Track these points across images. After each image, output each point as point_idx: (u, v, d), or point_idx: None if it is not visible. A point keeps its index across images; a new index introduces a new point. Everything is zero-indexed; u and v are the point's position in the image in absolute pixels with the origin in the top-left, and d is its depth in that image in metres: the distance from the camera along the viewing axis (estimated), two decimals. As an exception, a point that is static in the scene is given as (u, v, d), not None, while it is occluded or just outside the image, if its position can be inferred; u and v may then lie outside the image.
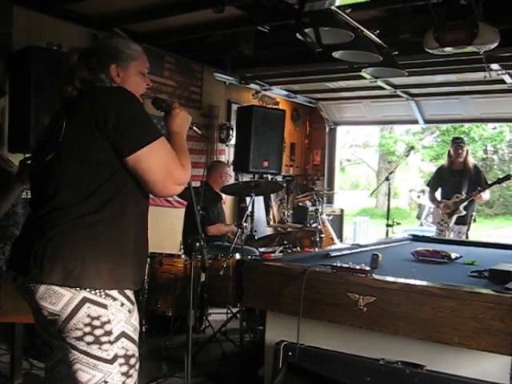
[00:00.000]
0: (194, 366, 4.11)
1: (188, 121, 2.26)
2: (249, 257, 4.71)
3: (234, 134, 7.65)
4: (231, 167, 7.13)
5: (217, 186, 5.62)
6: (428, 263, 3.76)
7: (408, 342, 2.67)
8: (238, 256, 4.80)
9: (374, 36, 5.14)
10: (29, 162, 2.82)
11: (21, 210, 2.85)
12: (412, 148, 8.48)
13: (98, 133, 1.89)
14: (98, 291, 1.87)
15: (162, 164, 1.96)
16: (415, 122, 9.13)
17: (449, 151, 6.98)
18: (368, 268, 2.86)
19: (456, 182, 6.71)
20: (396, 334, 2.66)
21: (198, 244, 2.49)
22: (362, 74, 6.05)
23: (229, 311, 5.06)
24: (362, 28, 4.90)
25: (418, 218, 13.99)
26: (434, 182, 7.02)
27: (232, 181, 6.47)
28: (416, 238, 5.43)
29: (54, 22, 5.36)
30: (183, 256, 4.81)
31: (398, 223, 6.71)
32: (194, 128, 2.39)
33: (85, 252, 1.87)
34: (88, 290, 1.86)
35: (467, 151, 6.79)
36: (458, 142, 6.83)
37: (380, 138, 23.02)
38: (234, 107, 7.78)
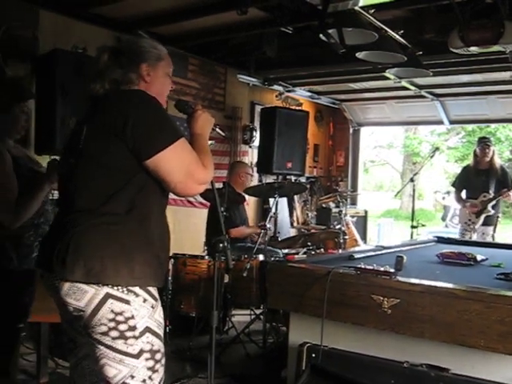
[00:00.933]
0: (218, 367, 4.10)
1: (211, 122, 2.27)
2: (272, 258, 4.71)
3: (257, 135, 7.66)
4: (254, 168, 7.13)
5: (237, 186, 5.61)
6: (453, 265, 3.72)
7: (433, 344, 2.64)
8: (261, 257, 4.80)
9: (398, 36, 5.10)
10: (57, 162, 2.88)
11: (51, 208, 2.89)
12: (437, 149, 8.39)
13: (116, 138, 1.92)
14: (119, 287, 1.90)
15: (182, 165, 1.98)
16: (440, 122, 9.04)
17: (475, 151, 6.90)
18: (392, 270, 2.84)
19: (482, 181, 6.63)
20: (420, 336, 2.63)
21: (221, 245, 2.49)
22: (386, 74, 6.01)
23: (252, 312, 5.06)
24: (385, 28, 4.87)
25: (443, 219, 13.84)
26: (460, 181, 6.94)
27: (253, 181, 6.47)
28: (441, 240, 5.37)
29: (79, 25, 5.42)
30: (207, 257, 4.82)
31: (423, 225, 6.65)
32: (217, 130, 2.40)
33: (104, 251, 1.90)
34: (110, 286, 1.89)
35: (493, 151, 6.71)
36: (484, 141, 6.76)
37: (404, 138, 22.84)
38: (258, 108, 7.79)
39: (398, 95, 8.52)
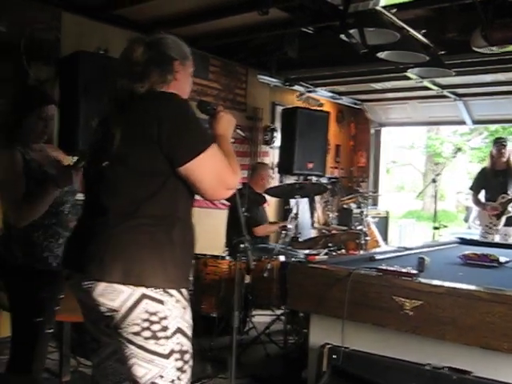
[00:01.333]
0: (238, 367, 4.11)
1: (233, 123, 2.27)
2: (293, 259, 4.71)
3: (278, 135, 7.66)
4: (275, 169, 7.13)
5: (257, 187, 5.62)
6: (476, 267, 3.69)
7: (455, 347, 2.62)
8: (282, 258, 4.80)
9: (419, 36, 5.07)
10: (68, 165, 2.93)
11: (67, 209, 2.93)
12: (459, 149, 8.34)
13: (152, 143, 1.91)
14: (155, 288, 1.91)
15: (214, 171, 1.99)
16: (463, 122, 8.97)
17: (491, 152, 6.83)
18: (414, 271, 2.82)
19: (501, 182, 6.55)
20: (442, 338, 2.61)
21: (242, 246, 2.50)
22: (408, 74, 5.98)
23: (273, 313, 5.05)
24: (407, 28, 4.84)
25: (466, 220, 13.70)
26: (477, 184, 6.84)
27: (274, 182, 6.46)
28: (463, 241, 5.32)
29: (101, 26, 5.47)
30: (227, 257, 4.83)
31: (445, 226, 6.59)
32: (238, 130, 2.40)
33: (142, 252, 1.91)
34: (146, 286, 1.89)
35: (510, 151, 6.64)
36: (500, 142, 6.68)
37: (426, 139, 22.65)
38: (279, 109, 7.79)
39: (420, 95, 8.47)
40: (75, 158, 2.95)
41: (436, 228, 6.41)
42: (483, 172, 6.90)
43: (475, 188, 6.83)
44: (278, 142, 7.58)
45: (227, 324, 4.62)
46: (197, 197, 2.11)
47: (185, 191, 2.03)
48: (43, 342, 2.88)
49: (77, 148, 4.42)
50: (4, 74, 4.72)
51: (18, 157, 2.77)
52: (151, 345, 1.91)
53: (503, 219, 6.47)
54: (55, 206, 2.84)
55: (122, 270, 1.87)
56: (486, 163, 6.92)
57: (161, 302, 1.92)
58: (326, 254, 5.31)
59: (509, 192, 6.46)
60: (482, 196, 6.80)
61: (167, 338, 1.93)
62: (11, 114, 2.89)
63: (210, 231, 6.22)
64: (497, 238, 6.46)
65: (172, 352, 1.94)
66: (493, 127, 18.78)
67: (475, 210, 6.96)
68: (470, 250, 4.01)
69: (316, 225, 8.59)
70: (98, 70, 4.51)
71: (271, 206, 7.67)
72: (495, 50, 4.50)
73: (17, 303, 2.85)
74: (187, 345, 2.00)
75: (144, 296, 1.89)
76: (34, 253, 2.79)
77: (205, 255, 4.80)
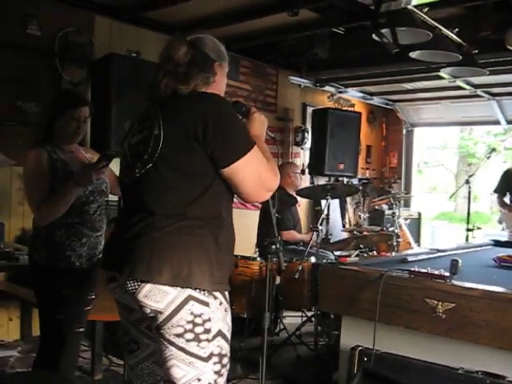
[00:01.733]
0: (268, 369, 4.10)
1: (265, 124, 2.26)
2: (324, 260, 4.69)
3: (309, 136, 7.64)
4: (306, 170, 7.11)
5: (288, 187, 5.61)
6: (510, 269, 3.62)
7: (489, 351, 2.58)
8: (313, 259, 4.78)
9: (452, 34, 5.00)
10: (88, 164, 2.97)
11: (93, 209, 2.95)
12: (493, 150, 8.17)
13: (197, 145, 1.90)
14: (201, 290, 1.90)
15: (256, 173, 1.98)
16: (497, 122, 8.82)
17: None
18: (447, 273, 2.79)
19: None
20: (476, 342, 2.57)
21: (274, 247, 2.49)
22: (441, 74, 5.90)
23: (303, 314, 5.04)
24: (440, 27, 4.78)
25: (500, 222, 13.49)
26: (502, 186, 6.61)
27: (305, 182, 6.45)
28: (497, 244, 5.23)
29: (132, 29, 5.55)
30: (258, 258, 4.83)
31: (479, 228, 6.48)
32: (268, 132, 2.40)
33: (190, 254, 1.90)
34: (193, 288, 1.89)
35: None
36: None
37: (459, 139, 22.35)
38: (309, 110, 7.77)
39: (453, 95, 8.36)
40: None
41: (469, 230, 6.31)
42: (507, 173, 6.69)
43: (499, 190, 6.63)
44: (308, 143, 7.56)
45: (258, 325, 4.63)
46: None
47: (227, 193, 2.03)
48: (71, 340, 2.91)
49: (109, 149, 4.48)
50: (38, 77, 4.81)
51: (43, 156, 2.81)
52: (192, 347, 1.90)
53: None
54: (79, 205, 2.85)
55: (171, 271, 1.86)
56: (510, 164, 6.75)
57: (206, 303, 1.91)
58: (357, 255, 5.29)
59: None
60: (507, 198, 6.61)
61: (208, 340, 1.92)
62: (45, 115, 2.97)
63: (240, 232, 6.18)
64: None
65: (211, 355, 1.93)
66: (528, 127, 18.45)
67: (503, 212, 6.81)
68: (504, 252, 3.94)
69: (347, 226, 8.54)
70: (130, 73, 4.55)
71: (302, 207, 7.66)
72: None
73: (41, 301, 2.92)
74: (226, 348, 1.99)
75: (190, 297, 1.88)
76: (56, 252, 2.83)
77: (236, 256, 4.80)
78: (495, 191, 6.70)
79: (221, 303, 1.96)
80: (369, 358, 2.86)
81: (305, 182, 6.35)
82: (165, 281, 1.86)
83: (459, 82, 7.08)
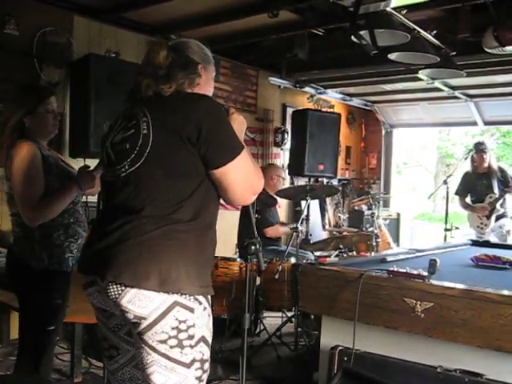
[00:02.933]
0: (249, 369, 4.11)
1: (245, 125, 2.25)
2: (304, 261, 4.70)
3: (289, 137, 7.66)
4: (286, 170, 7.13)
5: (270, 188, 5.63)
6: (488, 269, 3.67)
7: (467, 349, 2.61)
8: (293, 260, 4.79)
9: (430, 36, 5.05)
10: (89, 169, 2.90)
11: (80, 209, 2.91)
12: (471, 150, 8.25)
13: (189, 145, 1.89)
14: (187, 295, 1.88)
15: (245, 176, 1.98)
16: (474, 123, 8.92)
17: (472, 157, 6.92)
18: (426, 273, 2.81)
19: (485, 184, 6.74)
20: (454, 341, 2.60)
21: (253, 247, 2.49)
22: (419, 75, 5.95)
23: (284, 315, 5.05)
24: (418, 29, 4.82)
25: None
26: (463, 188, 6.98)
27: (286, 183, 6.47)
28: (475, 243, 5.30)
29: (112, 30, 5.51)
30: (238, 259, 4.83)
31: (457, 228, 6.56)
32: (247, 133, 2.40)
33: (177, 259, 1.87)
34: (179, 294, 1.86)
35: (490, 155, 6.84)
36: (481, 149, 6.81)
37: (438, 140, 22.56)
38: (289, 111, 7.79)
39: (431, 96, 8.43)
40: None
41: (447, 230, 6.38)
42: (467, 176, 7.01)
43: (461, 192, 6.98)
44: (288, 143, 7.58)
45: (238, 326, 4.63)
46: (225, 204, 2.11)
47: (215, 197, 2.02)
48: (52, 347, 2.87)
49: (88, 151, 4.45)
50: (16, 77, 4.75)
51: (37, 151, 2.70)
52: (175, 353, 1.87)
53: (493, 217, 6.66)
54: (71, 204, 2.80)
55: (159, 276, 1.83)
56: (468, 168, 7.02)
57: (191, 309, 1.89)
58: (337, 255, 5.32)
59: (495, 191, 6.65)
60: (468, 200, 6.98)
61: (191, 346, 1.89)
62: (10, 114, 2.80)
63: (221, 232, 6.20)
64: (491, 236, 6.62)
65: (194, 361, 1.90)
66: (505, 128, 18.69)
67: (469, 214, 7.04)
68: (481, 252, 3.99)
69: (327, 226, 8.58)
70: (110, 73, 4.54)
71: (282, 207, 7.67)
72: (510, 50, 4.47)
73: (32, 309, 2.77)
74: (207, 353, 1.97)
75: (176, 303, 1.86)
76: (57, 254, 2.74)
77: (216, 257, 4.80)
78: (456, 193, 7.00)
79: (205, 308, 1.95)
80: (349, 358, 2.87)
81: (285, 182, 6.35)
82: (151, 286, 1.83)
83: (437, 84, 7.15)
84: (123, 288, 1.84)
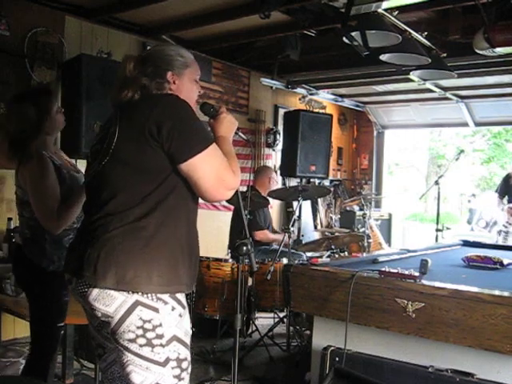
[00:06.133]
0: (241, 370, 4.12)
1: (235, 125, 2.27)
2: (296, 261, 4.71)
3: (281, 138, 7.66)
4: (278, 171, 7.15)
5: (264, 190, 5.65)
6: (479, 269, 3.68)
7: (458, 349, 2.62)
8: (285, 260, 4.80)
9: (422, 38, 5.07)
10: None
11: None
12: (462, 151, 8.29)
13: (152, 141, 1.92)
14: (149, 295, 1.90)
15: (214, 170, 1.98)
16: (465, 124, 8.96)
17: None
18: (417, 273, 2.82)
19: None
20: (446, 341, 2.61)
21: (245, 248, 2.49)
22: (411, 76, 5.97)
23: (276, 315, 5.06)
24: (409, 30, 4.84)
25: (469, 222, 13.70)
26: (503, 188, 7.26)
27: (278, 185, 6.48)
28: (467, 244, 5.32)
29: (103, 30, 5.50)
30: (230, 260, 4.83)
31: (448, 228, 6.58)
32: (240, 133, 2.40)
33: (136, 257, 1.89)
34: (140, 293, 1.89)
35: None
36: None
37: (429, 141, 22.65)
38: (281, 112, 7.80)
39: (423, 97, 8.47)
40: None
41: (439, 230, 6.40)
42: (507, 178, 7.27)
43: (500, 192, 7.25)
44: (280, 144, 7.59)
45: (230, 326, 4.63)
46: (200, 200, 2.11)
47: (185, 194, 2.02)
48: (59, 344, 2.90)
49: (80, 151, 4.43)
50: (7, 77, 4.74)
51: (51, 165, 2.75)
52: (147, 352, 1.90)
53: None
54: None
55: (115, 275, 1.86)
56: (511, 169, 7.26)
57: (155, 309, 1.90)
58: (328, 256, 5.32)
59: None
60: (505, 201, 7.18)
61: (162, 345, 1.91)
62: (39, 111, 2.83)
63: (213, 233, 6.24)
64: None
65: (168, 360, 1.93)
66: (495, 129, 18.78)
67: (479, 212, 7.21)
68: (473, 252, 4.01)
69: (319, 227, 8.59)
70: (101, 73, 4.53)
71: (274, 208, 7.68)
72: (500, 52, 4.50)
73: (42, 308, 2.83)
74: (184, 352, 1.99)
75: (138, 303, 1.88)
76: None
77: (208, 258, 4.80)
78: (496, 191, 7.36)
79: (173, 308, 1.95)
80: (340, 358, 2.88)
81: (277, 183, 6.36)
82: (109, 285, 1.87)
83: (428, 85, 7.17)
84: (88, 286, 1.90)
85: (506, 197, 7.11)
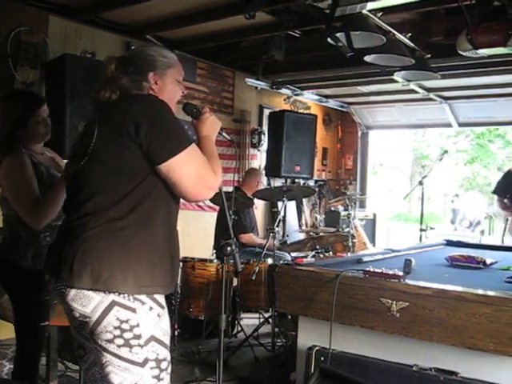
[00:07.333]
0: (226, 370, 4.12)
1: (218, 125, 2.27)
2: (281, 261, 4.71)
3: (265, 138, 7.67)
4: (263, 172, 7.15)
5: (250, 191, 5.65)
6: (462, 268, 3.71)
7: (442, 348, 2.64)
8: (270, 261, 4.80)
9: (405, 39, 5.10)
10: None
11: None
12: (445, 152, 8.34)
13: (130, 141, 1.92)
14: (126, 295, 1.90)
15: (193, 170, 1.98)
16: (449, 125, 9.01)
17: None
18: (401, 273, 2.84)
19: None
20: (429, 340, 2.63)
21: (229, 248, 2.49)
22: (395, 77, 6.01)
23: (261, 316, 5.06)
24: (393, 31, 4.87)
25: (452, 222, 13.81)
26: (504, 187, 6.46)
27: (263, 185, 6.49)
28: (450, 243, 5.36)
29: (88, 30, 5.47)
30: (215, 260, 4.83)
31: (432, 228, 6.62)
32: (224, 134, 2.40)
33: (112, 257, 1.89)
34: (117, 293, 1.88)
35: None
36: None
37: (413, 141, 22.79)
38: (266, 112, 7.80)
39: (407, 98, 8.51)
40: None
41: (423, 230, 6.43)
42: (508, 176, 6.57)
43: (499, 192, 6.48)
44: (265, 145, 7.59)
45: (215, 327, 4.63)
46: (183, 201, 2.10)
47: (164, 195, 2.02)
48: (44, 344, 2.89)
49: (64, 152, 4.41)
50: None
51: (27, 160, 2.74)
52: (125, 353, 1.90)
53: None
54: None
55: (91, 275, 1.86)
56: (510, 167, 6.69)
57: (133, 309, 1.90)
58: (313, 256, 5.33)
59: None
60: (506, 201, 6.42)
61: (141, 346, 1.91)
62: (8, 117, 2.83)
63: (198, 234, 6.23)
64: None
65: (147, 360, 1.92)
66: (478, 130, 18.94)
67: (462, 212, 6.96)
68: (456, 252, 4.04)
69: (303, 227, 8.61)
70: (85, 73, 4.50)
71: (259, 209, 7.68)
72: (483, 53, 4.53)
73: (24, 307, 2.83)
74: (163, 353, 1.98)
75: (114, 303, 1.88)
76: (42, 254, 2.73)
77: (193, 258, 4.80)
78: (494, 192, 6.62)
79: (151, 308, 1.95)
80: (325, 358, 2.88)
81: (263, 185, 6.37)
82: (85, 285, 1.87)
83: (412, 86, 7.21)
84: (65, 287, 1.90)
85: (508, 197, 6.30)
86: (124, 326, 1.89)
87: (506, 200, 6.32)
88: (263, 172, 6.97)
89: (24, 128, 2.81)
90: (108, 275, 1.87)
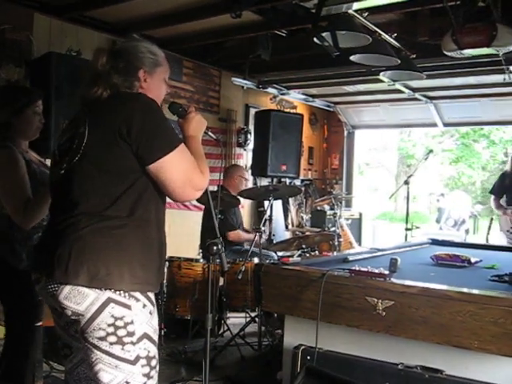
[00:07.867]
0: (213, 370, 4.11)
1: (203, 124, 2.27)
2: (267, 261, 4.72)
3: (251, 138, 7.67)
4: (249, 171, 7.15)
5: (233, 189, 5.65)
6: (447, 267, 3.74)
7: (427, 346, 2.65)
8: (256, 260, 4.80)
9: (391, 39, 5.12)
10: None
11: None
12: (431, 151, 8.39)
13: (122, 142, 1.92)
14: (121, 292, 1.90)
15: (182, 171, 1.99)
16: (434, 125, 9.06)
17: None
18: (387, 272, 2.85)
19: None
20: (415, 338, 2.64)
21: (215, 247, 2.49)
22: (380, 77, 6.03)
23: (247, 315, 5.06)
24: (379, 31, 4.88)
25: (438, 221, 13.88)
26: (499, 188, 6.67)
27: (249, 184, 6.48)
28: (435, 242, 5.39)
29: (73, 28, 5.44)
30: (202, 260, 4.82)
31: (417, 227, 6.65)
32: (210, 133, 2.40)
33: (108, 255, 1.89)
34: (112, 290, 1.88)
35: None
36: None
37: (399, 141, 22.89)
38: (252, 111, 7.80)
39: (392, 98, 8.55)
40: None
41: (408, 229, 6.47)
42: (503, 176, 6.73)
43: (496, 192, 6.68)
44: (251, 144, 7.59)
45: (202, 326, 4.63)
46: (169, 199, 2.10)
47: (155, 195, 2.03)
48: (39, 345, 2.87)
49: (49, 151, 4.38)
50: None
51: (19, 155, 2.71)
52: (117, 350, 1.89)
53: None
54: None
55: (88, 272, 1.86)
56: (508, 167, 6.75)
57: (128, 306, 1.90)
58: (299, 255, 5.34)
59: None
60: (503, 201, 6.63)
61: (133, 343, 1.91)
62: (8, 107, 2.81)
63: (184, 234, 6.21)
64: None
65: (138, 358, 1.92)
66: (463, 129, 19.07)
67: (448, 211, 6.97)
68: (441, 251, 4.07)
69: (290, 227, 8.62)
70: (70, 72, 4.47)
71: (245, 208, 7.68)
72: (468, 53, 4.56)
73: (18, 308, 2.81)
74: (154, 350, 1.99)
75: (110, 300, 1.88)
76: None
77: (179, 258, 4.79)
78: (491, 192, 6.76)
79: (144, 305, 1.96)
80: (312, 357, 2.89)
81: (248, 182, 6.36)
82: (82, 282, 1.86)
83: (398, 86, 7.24)
84: (58, 285, 1.89)
85: (505, 197, 6.53)
86: (118, 322, 1.89)
87: (501, 200, 6.55)
88: (243, 167, 6.94)
89: (21, 116, 2.79)
90: (105, 273, 1.87)
